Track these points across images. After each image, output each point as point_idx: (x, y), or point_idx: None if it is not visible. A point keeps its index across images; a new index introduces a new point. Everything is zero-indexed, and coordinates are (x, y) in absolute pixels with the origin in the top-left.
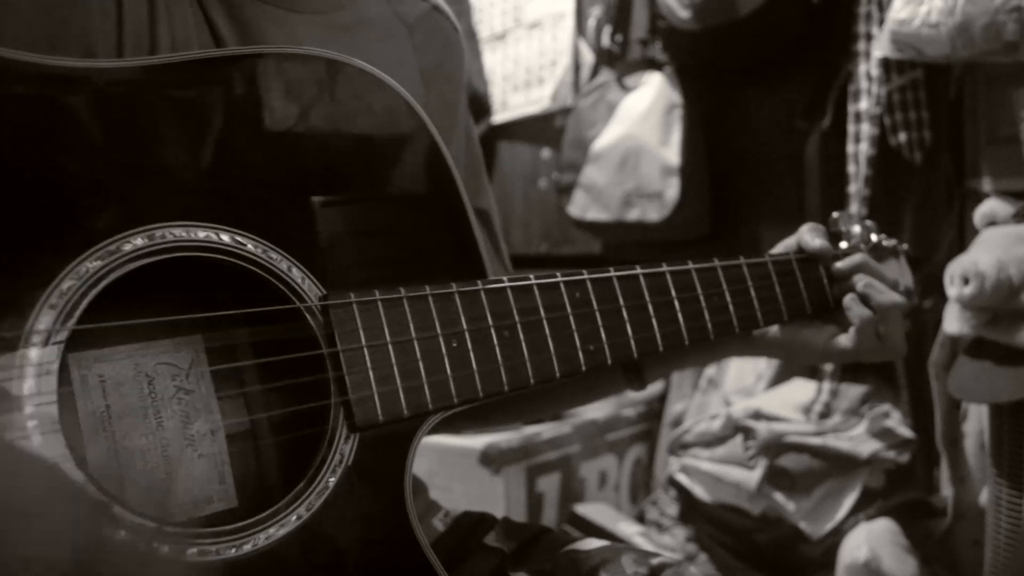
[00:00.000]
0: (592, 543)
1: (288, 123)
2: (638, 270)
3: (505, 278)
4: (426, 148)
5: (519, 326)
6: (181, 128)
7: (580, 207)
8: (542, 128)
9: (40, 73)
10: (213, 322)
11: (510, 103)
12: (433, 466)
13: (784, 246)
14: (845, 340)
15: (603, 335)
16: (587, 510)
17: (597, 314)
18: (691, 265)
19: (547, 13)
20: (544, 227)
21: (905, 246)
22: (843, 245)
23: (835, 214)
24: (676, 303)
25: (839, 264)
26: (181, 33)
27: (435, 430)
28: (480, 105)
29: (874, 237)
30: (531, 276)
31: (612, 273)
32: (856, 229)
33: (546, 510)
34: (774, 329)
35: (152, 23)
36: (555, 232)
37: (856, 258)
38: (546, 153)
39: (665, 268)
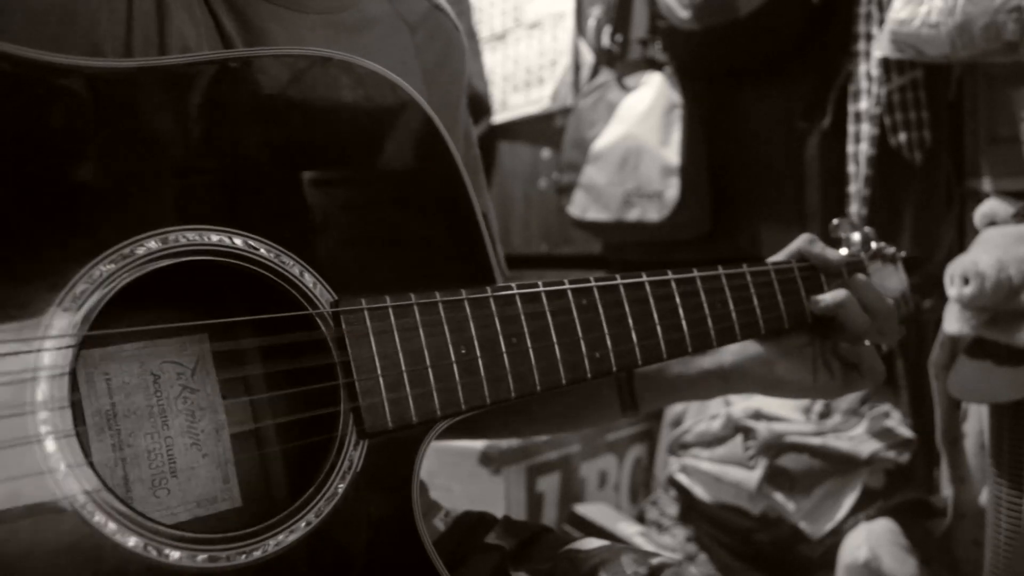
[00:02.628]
0: (592, 543)
1: (299, 126)
2: (644, 277)
3: (514, 285)
4: (437, 152)
5: (527, 333)
6: (193, 131)
7: (580, 207)
8: (542, 128)
9: (53, 73)
10: (224, 326)
11: (510, 103)
12: (433, 466)
13: (785, 254)
14: (829, 379)
15: (609, 342)
16: (587, 510)
17: (603, 321)
18: (696, 272)
19: (547, 13)
20: (544, 227)
21: (903, 253)
22: (843, 251)
23: (835, 221)
24: (680, 310)
25: (823, 298)
26: (191, 33)
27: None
28: (480, 105)
29: (874, 244)
30: (539, 283)
31: (619, 281)
32: (856, 236)
33: (546, 510)
34: (759, 369)
35: (161, 24)
36: (555, 232)
37: (840, 293)
38: (546, 153)
39: (671, 275)
